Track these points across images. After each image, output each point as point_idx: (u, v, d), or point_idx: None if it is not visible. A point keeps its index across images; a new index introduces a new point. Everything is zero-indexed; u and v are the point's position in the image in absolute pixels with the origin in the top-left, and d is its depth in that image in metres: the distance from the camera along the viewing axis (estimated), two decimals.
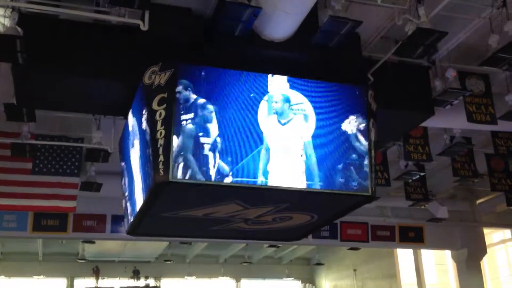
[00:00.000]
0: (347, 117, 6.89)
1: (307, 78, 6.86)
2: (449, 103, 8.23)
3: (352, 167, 6.80)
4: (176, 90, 6.22)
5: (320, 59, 7.11)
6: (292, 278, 32.61)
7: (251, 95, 6.56)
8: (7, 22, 6.31)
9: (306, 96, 6.79)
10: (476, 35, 7.75)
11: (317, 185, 6.61)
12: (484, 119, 8.70)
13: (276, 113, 6.63)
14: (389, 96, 7.73)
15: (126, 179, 8.14)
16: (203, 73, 6.40)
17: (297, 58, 6.99)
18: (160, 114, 6.20)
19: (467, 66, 8.56)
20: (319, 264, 30.36)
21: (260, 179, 6.38)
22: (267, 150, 6.49)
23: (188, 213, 7.41)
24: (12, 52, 6.22)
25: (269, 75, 6.70)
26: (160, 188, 6.22)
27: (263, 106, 6.58)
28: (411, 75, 8.24)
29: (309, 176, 6.59)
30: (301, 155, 6.62)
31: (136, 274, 29.31)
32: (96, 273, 28.76)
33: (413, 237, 17.52)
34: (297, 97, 6.76)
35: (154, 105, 6.24)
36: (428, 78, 8.31)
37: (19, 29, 6.18)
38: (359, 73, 7.40)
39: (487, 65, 7.79)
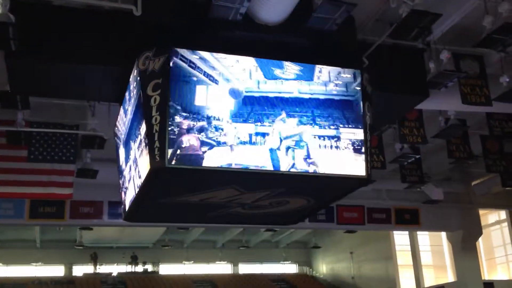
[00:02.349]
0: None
1: (302, 62, 6.84)
2: (444, 85, 8.23)
3: (348, 151, 6.81)
4: (171, 75, 6.20)
5: (315, 43, 7.09)
6: (289, 262, 32.87)
7: (250, 79, 6.54)
8: None
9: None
10: (471, 17, 7.73)
11: (313, 169, 6.63)
12: (479, 101, 8.71)
13: (276, 96, 6.62)
14: (384, 79, 7.73)
15: (123, 165, 8.14)
16: (197, 58, 6.37)
17: (291, 42, 6.96)
18: (155, 100, 6.18)
19: (461, 48, 8.55)
20: (316, 247, 30.59)
21: (257, 163, 6.39)
22: (265, 134, 6.48)
23: (185, 198, 7.42)
24: (5, 39, 6.18)
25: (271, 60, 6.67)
26: (156, 174, 6.22)
27: (262, 91, 6.57)
28: (405, 58, 8.23)
29: (305, 160, 6.61)
30: (299, 140, 6.62)
31: (134, 260, 29.48)
32: (94, 259, 28.91)
33: (409, 219, 17.62)
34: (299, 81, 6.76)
35: (149, 91, 6.22)
36: (422, 61, 8.30)
37: (11, 16, 6.13)
38: (354, 56, 7.38)
39: (481, 47, 7.79)
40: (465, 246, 18.40)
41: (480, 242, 20.48)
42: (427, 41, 8.11)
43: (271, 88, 6.64)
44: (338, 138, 6.78)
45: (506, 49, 7.75)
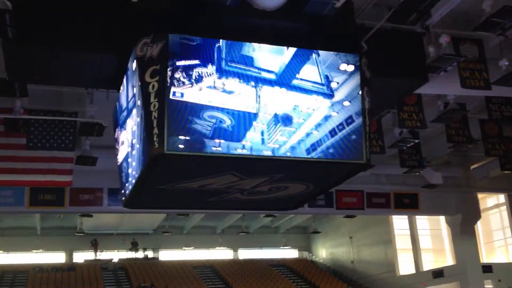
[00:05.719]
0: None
1: (300, 47, 6.80)
2: (443, 69, 8.21)
3: (346, 136, 6.81)
4: (169, 61, 6.17)
5: (313, 28, 7.05)
6: (289, 247, 33.00)
7: (246, 65, 6.52)
8: None
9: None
10: (469, 0, 7.69)
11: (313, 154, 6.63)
12: (478, 85, 8.69)
13: (274, 84, 6.59)
14: (383, 63, 7.70)
15: (121, 152, 8.14)
16: (195, 44, 6.34)
17: (289, 27, 6.92)
18: (153, 86, 6.16)
19: (460, 32, 8.51)
20: (315, 232, 30.68)
21: (257, 149, 6.39)
22: (264, 120, 6.47)
23: (185, 185, 7.43)
24: (1, 26, 6.15)
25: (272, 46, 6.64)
26: (155, 160, 6.22)
27: (259, 77, 6.54)
28: (404, 42, 8.19)
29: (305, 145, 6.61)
30: (298, 125, 6.61)
31: (134, 246, 29.58)
32: (95, 246, 29.01)
33: (408, 203, 17.70)
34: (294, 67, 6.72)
35: (147, 78, 6.20)
36: (421, 45, 8.27)
37: (7, 3, 6.09)
38: (352, 41, 7.34)
39: (480, 30, 7.75)
40: (464, 230, 18.49)
41: (479, 226, 20.58)
42: (426, 25, 8.07)
43: None
44: None
45: (505, 33, 7.72)
